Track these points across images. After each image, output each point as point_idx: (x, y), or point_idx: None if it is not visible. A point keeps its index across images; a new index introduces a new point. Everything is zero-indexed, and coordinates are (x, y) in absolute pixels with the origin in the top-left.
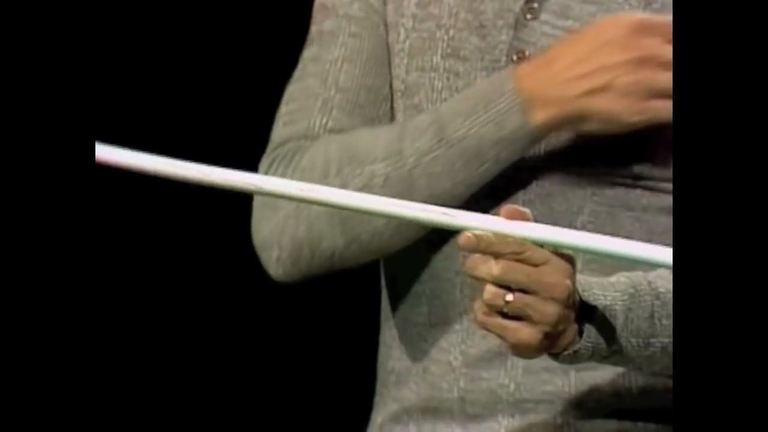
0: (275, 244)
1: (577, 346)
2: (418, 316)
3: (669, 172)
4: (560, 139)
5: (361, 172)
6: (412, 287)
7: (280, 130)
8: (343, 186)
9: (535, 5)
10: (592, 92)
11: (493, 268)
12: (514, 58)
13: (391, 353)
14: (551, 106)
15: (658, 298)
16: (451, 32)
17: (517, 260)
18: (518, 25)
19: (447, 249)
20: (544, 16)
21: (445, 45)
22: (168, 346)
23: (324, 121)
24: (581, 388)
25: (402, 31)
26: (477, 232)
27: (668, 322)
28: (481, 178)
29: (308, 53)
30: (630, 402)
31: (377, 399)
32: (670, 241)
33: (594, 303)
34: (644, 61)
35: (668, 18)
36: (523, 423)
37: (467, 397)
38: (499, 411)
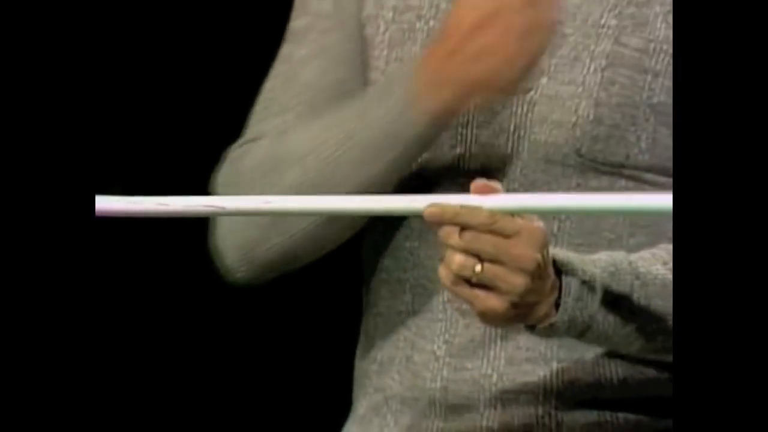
0: (223, 249)
1: (553, 320)
2: (402, 304)
3: (653, 162)
4: (544, 129)
5: (287, 173)
6: (396, 276)
7: (245, 131)
8: (272, 190)
9: None
10: (471, 59)
11: (459, 239)
12: None
13: (374, 343)
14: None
15: (638, 278)
16: (432, 23)
17: (488, 231)
18: None
19: (431, 237)
20: None
21: (425, 36)
22: (141, 337)
23: (276, 122)
24: (562, 380)
25: (382, 23)
26: (442, 203)
27: (646, 303)
28: (398, 167)
29: (282, 52)
30: (610, 393)
31: (357, 390)
32: (653, 233)
33: (572, 277)
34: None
35: None
36: (504, 413)
37: (450, 387)
38: (481, 401)
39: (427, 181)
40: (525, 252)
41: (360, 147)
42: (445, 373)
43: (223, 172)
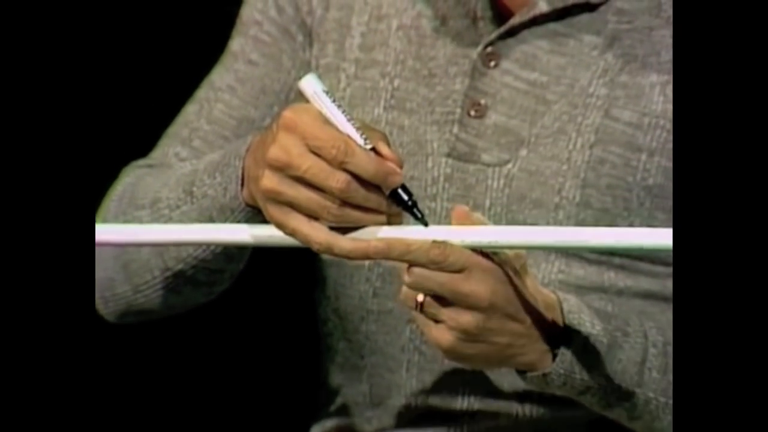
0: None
1: (547, 370)
2: (359, 394)
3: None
4: (523, 207)
5: (131, 217)
6: (352, 361)
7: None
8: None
9: (496, 52)
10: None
11: (406, 276)
12: (472, 113)
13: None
14: (251, 185)
15: (654, 346)
16: (396, 82)
17: (438, 268)
18: (475, 72)
19: (391, 321)
20: (505, 65)
21: (388, 96)
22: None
23: (177, 150)
24: None
25: (343, 77)
26: (388, 239)
27: (658, 376)
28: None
29: (212, 73)
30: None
31: None
32: (646, 321)
33: (577, 327)
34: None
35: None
36: None
37: None
38: None
39: None
40: (473, 289)
41: (199, 209)
42: None
43: (115, 186)
